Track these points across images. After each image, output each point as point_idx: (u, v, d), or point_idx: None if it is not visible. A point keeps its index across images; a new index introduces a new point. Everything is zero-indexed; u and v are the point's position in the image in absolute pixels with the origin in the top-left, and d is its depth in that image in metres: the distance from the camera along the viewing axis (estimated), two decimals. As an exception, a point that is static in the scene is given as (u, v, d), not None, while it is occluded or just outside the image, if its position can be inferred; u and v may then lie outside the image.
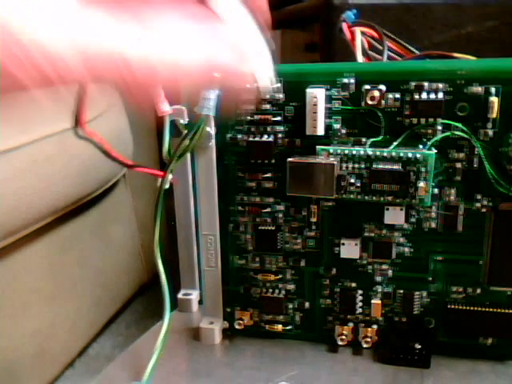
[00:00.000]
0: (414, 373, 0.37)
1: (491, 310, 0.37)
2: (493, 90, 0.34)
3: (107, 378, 0.39)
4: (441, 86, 0.34)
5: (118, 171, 0.85)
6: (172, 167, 0.38)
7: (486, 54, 0.35)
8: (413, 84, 0.35)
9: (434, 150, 0.35)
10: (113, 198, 0.87)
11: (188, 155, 0.41)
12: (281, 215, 0.39)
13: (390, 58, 0.43)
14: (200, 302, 0.45)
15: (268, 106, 0.37)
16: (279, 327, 0.41)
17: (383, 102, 0.35)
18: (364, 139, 0.36)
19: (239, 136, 0.38)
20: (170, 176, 0.39)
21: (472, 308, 0.37)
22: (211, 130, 0.38)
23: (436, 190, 0.36)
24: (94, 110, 0.77)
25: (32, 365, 0.29)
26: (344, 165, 0.36)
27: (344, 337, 0.39)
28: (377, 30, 0.43)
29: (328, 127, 0.36)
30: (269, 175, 0.39)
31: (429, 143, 0.35)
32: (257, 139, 0.38)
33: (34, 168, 0.60)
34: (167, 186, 0.39)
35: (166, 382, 0.37)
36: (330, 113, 0.36)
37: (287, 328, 0.41)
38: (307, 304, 0.40)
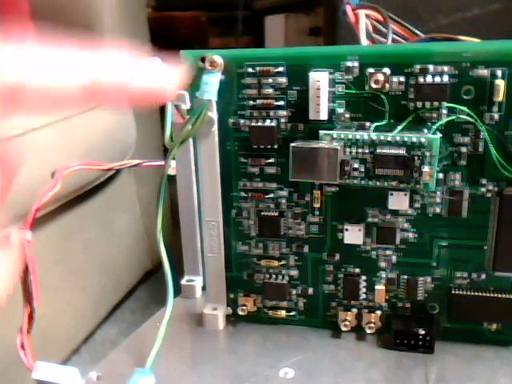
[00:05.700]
0: (417, 358, 0.37)
1: (496, 295, 0.36)
2: (499, 72, 0.33)
3: (111, 364, 0.39)
4: (446, 68, 0.34)
5: (121, 158, 0.85)
6: (174, 153, 0.37)
7: (491, 37, 0.35)
8: (417, 67, 0.34)
9: (439, 134, 0.34)
10: (117, 185, 0.87)
11: (190, 141, 0.40)
12: (284, 201, 0.39)
13: (394, 41, 0.42)
14: (203, 288, 0.45)
15: (271, 91, 0.37)
16: (282, 313, 0.41)
17: (387, 85, 0.35)
18: (368, 123, 0.36)
19: (242, 121, 0.38)
20: (173, 163, 0.39)
21: (476, 293, 0.37)
22: (213, 115, 0.38)
23: (441, 175, 0.35)
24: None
25: (37, 351, 0.30)
26: (347, 149, 0.35)
27: (347, 322, 0.39)
28: (381, 12, 0.42)
29: (331, 111, 0.36)
30: (272, 160, 0.38)
31: (434, 127, 0.34)
32: (259, 124, 0.37)
33: (36, 155, 0.60)
34: (173, 172, 0.39)
35: (169, 368, 0.37)
36: (333, 97, 0.36)
37: (290, 314, 0.41)
38: (311, 290, 0.40)
